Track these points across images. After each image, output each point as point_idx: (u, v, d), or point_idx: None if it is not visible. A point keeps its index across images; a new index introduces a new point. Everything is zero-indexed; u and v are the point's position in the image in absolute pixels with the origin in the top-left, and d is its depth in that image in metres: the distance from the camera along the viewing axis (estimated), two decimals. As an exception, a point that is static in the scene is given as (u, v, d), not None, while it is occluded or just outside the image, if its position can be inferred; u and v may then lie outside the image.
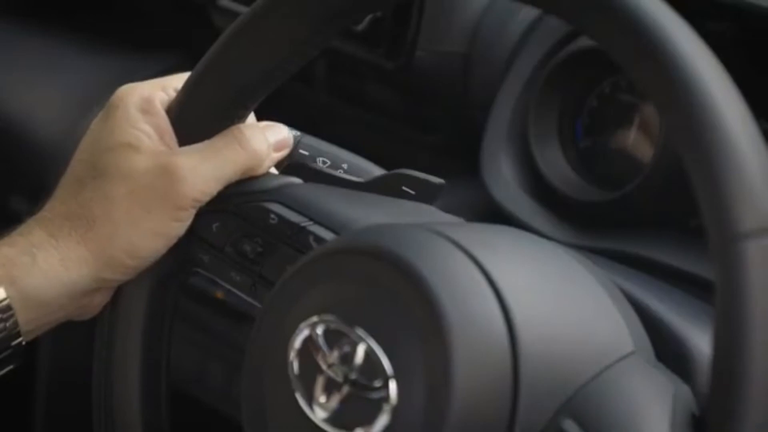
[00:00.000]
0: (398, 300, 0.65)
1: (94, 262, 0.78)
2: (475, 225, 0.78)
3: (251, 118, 0.83)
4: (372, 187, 0.83)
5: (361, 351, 0.65)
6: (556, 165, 1.04)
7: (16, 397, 1.43)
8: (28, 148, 1.44)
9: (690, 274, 0.93)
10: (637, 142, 1.02)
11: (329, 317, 0.67)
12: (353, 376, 0.66)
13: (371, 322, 0.66)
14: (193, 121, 0.79)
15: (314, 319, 0.67)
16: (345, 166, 0.84)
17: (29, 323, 0.78)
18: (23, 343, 0.78)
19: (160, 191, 0.77)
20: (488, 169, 1.07)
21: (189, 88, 0.79)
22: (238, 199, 0.80)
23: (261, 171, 0.81)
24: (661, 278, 0.90)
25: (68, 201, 0.79)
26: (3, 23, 1.52)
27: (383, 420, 0.64)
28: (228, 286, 0.80)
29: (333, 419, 0.66)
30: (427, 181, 0.83)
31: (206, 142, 0.79)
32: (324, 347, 0.67)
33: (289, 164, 0.83)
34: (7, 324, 0.77)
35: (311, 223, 0.77)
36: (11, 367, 0.79)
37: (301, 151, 0.84)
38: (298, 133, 0.84)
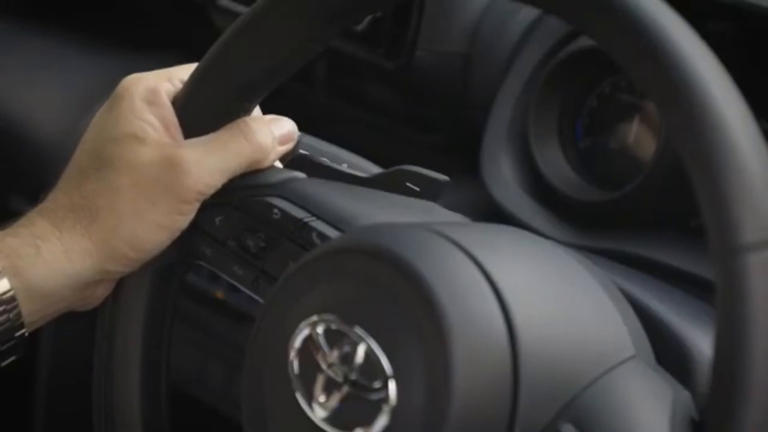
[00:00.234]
0: (398, 300, 0.65)
1: (97, 254, 0.78)
2: (476, 225, 0.77)
3: (257, 111, 0.82)
4: (376, 182, 0.82)
5: (361, 351, 0.65)
6: (556, 165, 1.04)
7: (17, 396, 1.43)
8: (28, 148, 1.44)
9: (690, 274, 0.93)
10: (637, 142, 1.02)
11: (329, 317, 0.67)
12: (353, 376, 0.66)
13: (371, 322, 0.66)
14: (199, 114, 0.79)
15: (314, 318, 0.67)
16: (345, 165, 0.83)
17: (32, 314, 0.78)
18: (26, 334, 0.78)
19: (165, 183, 0.77)
20: (488, 169, 1.07)
21: (194, 81, 0.79)
22: (242, 193, 0.79)
23: (266, 164, 0.81)
24: (661, 278, 0.90)
25: (71, 192, 0.79)
26: (3, 23, 1.52)
27: (383, 420, 0.64)
28: (230, 280, 0.80)
29: (333, 419, 0.66)
30: (431, 178, 0.82)
31: (211, 135, 0.79)
32: (324, 347, 0.67)
33: (294, 158, 0.83)
34: (11, 315, 0.76)
35: (314, 218, 0.77)
36: (14, 358, 0.78)
37: (301, 150, 0.83)
38: (299, 132, 0.84)
